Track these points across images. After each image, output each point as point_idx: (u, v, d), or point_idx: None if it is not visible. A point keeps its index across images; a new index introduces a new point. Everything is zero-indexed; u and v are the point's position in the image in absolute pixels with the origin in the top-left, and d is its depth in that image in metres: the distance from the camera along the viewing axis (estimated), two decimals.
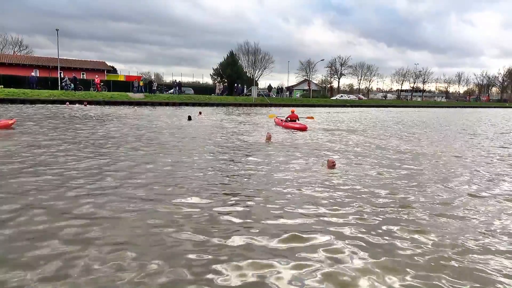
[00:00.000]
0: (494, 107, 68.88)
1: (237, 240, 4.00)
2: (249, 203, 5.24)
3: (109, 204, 4.98)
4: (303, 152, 9.61)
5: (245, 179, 6.59)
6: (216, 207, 5.03)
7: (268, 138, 11.61)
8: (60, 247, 3.76)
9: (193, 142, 11.28)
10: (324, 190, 5.93)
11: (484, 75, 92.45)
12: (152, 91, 39.94)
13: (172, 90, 44.66)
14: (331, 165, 7.53)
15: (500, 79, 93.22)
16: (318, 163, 8.13)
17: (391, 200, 5.59)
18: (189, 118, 19.21)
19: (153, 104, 34.34)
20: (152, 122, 17.59)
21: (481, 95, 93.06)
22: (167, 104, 35.03)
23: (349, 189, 6.10)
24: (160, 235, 4.08)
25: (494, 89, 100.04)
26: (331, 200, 5.47)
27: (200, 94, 43.60)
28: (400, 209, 5.21)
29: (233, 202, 5.28)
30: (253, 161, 8.28)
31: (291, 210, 4.97)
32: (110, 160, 7.93)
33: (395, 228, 4.51)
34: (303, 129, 15.80)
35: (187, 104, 35.95)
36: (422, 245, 4.06)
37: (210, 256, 3.65)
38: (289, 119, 17.27)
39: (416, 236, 4.30)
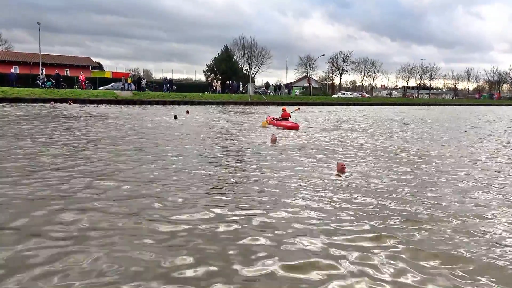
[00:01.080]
0: (507, 105, 69.21)
1: (258, 269, 3.61)
2: (257, 217, 4.91)
3: (81, 224, 4.50)
4: (308, 155, 9.48)
5: (247, 186, 6.37)
6: (218, 222, 4.64)
7: (273, 140, 11.45)
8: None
9: (182, 143, 11.17)
10: (337, 200, 5.69)
11: (494, 71, 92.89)
12: (141, 89, 39.79)
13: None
14: (341, 168, 7.44)
15: (511, 75, 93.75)
16: (327, 166, 8.02)
17: (410, 212, 5.24)
18: (175, 118, 19.29)
19: (142, 102, 34.22)
20: (135, 121, 17.57)
21: (492, 92, 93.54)
22: (157, 102, 34.92)
23: (361, 198, 5.82)
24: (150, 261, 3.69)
25: (505, 86, 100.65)
26: (347, 213, 5.13)
27: (193, 92, 43.44)
28: (420, 222, 4.92)
29: (237, 215, 4.95)
30: (249, 166, 8.03)
31: (301, 226, 4.63)
32: (83, 165, 7.58)
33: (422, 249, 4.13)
34: (294, 127, 16.12)
35: (178, 103, 35.84)
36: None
37: None
38: (280, 117, 17.61)
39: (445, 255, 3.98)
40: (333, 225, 4.69)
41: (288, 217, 4.90)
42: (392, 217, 5.02)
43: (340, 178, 7.02)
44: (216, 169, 7.51)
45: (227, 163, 8.23)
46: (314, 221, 4.77)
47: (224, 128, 16.12)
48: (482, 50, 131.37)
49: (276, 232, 4.39)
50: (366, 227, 4.65)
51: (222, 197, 5.65)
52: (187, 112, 24.18)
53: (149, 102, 34.56)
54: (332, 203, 5.51)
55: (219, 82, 48.83)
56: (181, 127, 15.68)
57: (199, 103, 37.55)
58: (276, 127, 16.67)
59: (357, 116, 27.35)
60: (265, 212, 5.05)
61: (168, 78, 47.42)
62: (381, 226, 4.69)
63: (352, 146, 11.44)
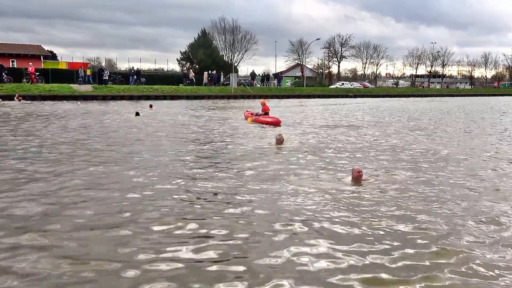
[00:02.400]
0: None
1: None
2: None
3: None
4: (315, 158, 9.40)
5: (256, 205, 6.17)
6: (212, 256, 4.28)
7: (280, 141, 11.18)
8: None
9: (150, 145, 11.05)
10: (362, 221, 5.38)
11: None
12: (103, 82, 39.31)
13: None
14: (357, 175, 7.18)
15: None
16: (339, 173, 7.89)
17: (443, 230, 5.05)
18: (137, 114, 19.67)
19: (104, 98, 33.80)
20: (86, 120, 17.46)
21: None
22: (122, 97, 34.54)
23: (391, 220, 5.43)
24: None
25: None
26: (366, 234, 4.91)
27: (165, 85, 43.06)
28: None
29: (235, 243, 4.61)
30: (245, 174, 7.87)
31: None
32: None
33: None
34: (276, 123, 16.57)
35: (148, 97, 35.51)
36: None
37: None
38: (261, 112, 18.04)
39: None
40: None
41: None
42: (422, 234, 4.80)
43: (358, 188, 6.81)
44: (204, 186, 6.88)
45: (217, 173, 7.87)
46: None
47: (203, 126, 16.03)
48: (500, 32, 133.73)
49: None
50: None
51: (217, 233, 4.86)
52: (150, 106, 24.61)
53: (113, 97, 34.13)
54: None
55: (205, 73, 48.25)
56: (143, 127, 15.43)
57: (173, 97, 37.26)
58: (256, 124, 16.96)
59: (361, 110, 27.38)
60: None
61: (135, 68, 47.00)
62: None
63: (364, 145, 11.54)
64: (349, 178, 7.30)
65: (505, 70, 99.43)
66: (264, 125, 16.45)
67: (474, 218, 5.45)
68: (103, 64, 67.66)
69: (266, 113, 17.95)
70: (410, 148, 11.20)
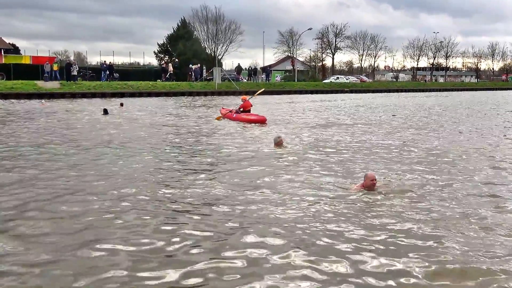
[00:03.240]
0: None
1: None
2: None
3: None
4: (320, 163, 9.37)
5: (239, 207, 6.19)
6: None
7: (280, 143, 11.11)
8: None
9: (121, 148, 11.00)
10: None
11: None
12: (72, 78, 39.00)
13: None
14: (370, 183, 6.95)
15: None
16: (350, 179, 7.80)
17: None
18: (105, 112, 19.85)
19: (73, 95, 33.51)
20: (51, 120, 17.39)
21: None
22: (94, 95, 34.27)
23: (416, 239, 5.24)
24: None
25: None
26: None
27: (141, 81, 42.86)
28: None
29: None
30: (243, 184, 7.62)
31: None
32: None
33: None
34: (261, 121, 16.52)
35: (122, 95, 35.27)
36: None
37: None
38: (241, 109, 17.78)
39: None
40: None
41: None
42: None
43: (370, 197, 6.68)
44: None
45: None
46: None
47: (183, 126, 16.03)
48: (506, 19, 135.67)
49: None
50: None
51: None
52: (121, 104, 24.84)
53: (83, 95, 33.85)
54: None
55: (204, 69, 47.94)
56: (111, 128, 15.30)
57: (150, 94, 37.09)
58: (236, 122, 16.94)
59: (362, 106, 27.53)
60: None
61: (107, 63, 46.65)
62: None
63: (372, 147, 11.62)
64: (358, 185, 7.13)
65: None
66: (247, 124, 16.29)
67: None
68: (72, 58, 66.96)
69: (248, 110, 17.77)
70: (418, 148, 11.27)
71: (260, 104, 26.00)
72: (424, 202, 6.55)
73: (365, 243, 4.97)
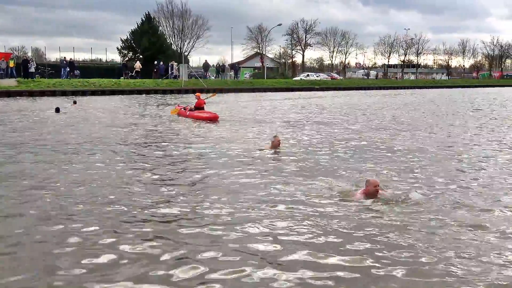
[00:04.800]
0: (509, 85, 73.43)
1: None
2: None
3: None
4: (316, 166, 9.21)
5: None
6: None
7: (276, 144, 10.85)
8: None
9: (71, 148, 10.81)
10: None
11: (495, 43, 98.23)
12: (29, 75, 38.25)
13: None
14: (374, 190, 6.63)
15: None
16: (351, 185, 7.44)
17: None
18: (57, 111, 19.85)
19: (31, 93, 32.87)
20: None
21: (492, 70, 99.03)
22: (53, 93, 33.70)
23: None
24: None
25: (508, 62, 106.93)
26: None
27: (104, 78, 42.28)
28: None
29: None
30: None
31: None
32: None
33: None
34: (213, 118, 17.16)
35: (84, 93, 34.89)
36: None
37: None
38: (194, 107, 18.56)
39: None
40: None
41: None
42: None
43: (374, 205, 6.35)
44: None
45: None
46: None
47: (144, 125, 15.88)
48: (477, 17, 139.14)
49: None
50: None
51: None
52: (74, 102, 24.88)
53: (42, 93, 33.24)
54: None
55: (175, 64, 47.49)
56: (61, 128, 15.02)
57: (113, 92, 36.68)
58: (191, 119, 17.47)
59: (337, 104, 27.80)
60: None
61: (67, 59, 45.87)
62: None
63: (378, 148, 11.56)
64: (360, 191, 6.81)
65: (484, 59, 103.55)
66: (200, 121, 16.83)
67: None
68: (29, 54, 65.60)
69: (201, 108, 18.34)
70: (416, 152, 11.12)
71: (230, 103, 26.05)
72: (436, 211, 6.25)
73: (381, 262, 4.57)
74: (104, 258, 4.57)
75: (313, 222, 5.68)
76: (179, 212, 6.07)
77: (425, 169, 8.98)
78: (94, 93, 35.50)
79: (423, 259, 4.62)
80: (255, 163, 9.33)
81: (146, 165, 9.17)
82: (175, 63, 48.24)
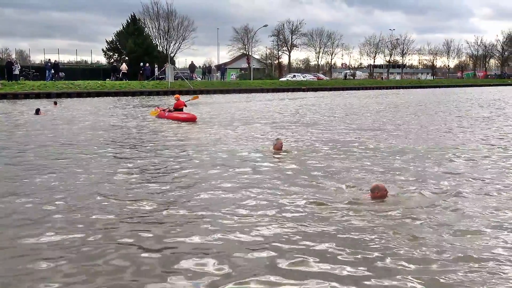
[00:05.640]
0: (494, 84, 74.40)
1: None
2: None
3: None
4: (320, 168, 9.02)
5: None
6: None
7: (279, 147, 10.70)
8: None
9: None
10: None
11: (479, 43, 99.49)
12: (13, 77, 37.98)
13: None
14: (384, 193, 6.55)
15: (499, 48, 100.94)
16: (357, 189, 7.31)
17: None
18: (37, 112, 19.83)
19: (15, 96, 32.71)
20: None
21: (476, 70, 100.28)
22: (38, 95, 33.54)
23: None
24: None
25: (492, 61, 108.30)
26: None
27: (89, 80, 42.13)
28: None
29: None
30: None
31: None
32: None
33: None
34: (192, 119, 17.44)
35: (69, 95, 34.76)
36: None
37: None
38: (173, 108, 18.82)
39: None
40: None
41: None
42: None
43: (383, 214, 6.09)
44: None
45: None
46: None
47: (126, 128, 15.92)
48: (461, 17, 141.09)
49: None
50: None
51: None
52: (55, 103, 25.09)
53: (26, 96, 33.09)
54: None
55: (156, 67, 47.44)
56: (38, 131, 14.86)
57: (99, 94, 36.61)
58: (170, 120, 17.67)
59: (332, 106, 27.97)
60: None
61: (52, 61, 45.62)
62: None
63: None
64: (367, 195, 6.70)
65: (468, 59, 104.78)
66: (179, 122, 17.03)
67: None
68: (13, 56, 65.09)
69: (180, 109, 18.59)
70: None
71: (215, 104, 26.05)
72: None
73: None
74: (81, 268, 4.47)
75: (319, 227, 5.60)
76: (179, 215, 6.07)
77: (434, 171, 8.80)
78: (79, 95, 35.37)
79: (435, 267, 4.52)
80: (258, 166, 9.11)
81: (121, 169, 8.94)
82: (156, 66, 48.33)
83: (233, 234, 5.33)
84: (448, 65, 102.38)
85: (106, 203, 6.55)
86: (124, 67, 48.44)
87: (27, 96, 33.05)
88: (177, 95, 19.90)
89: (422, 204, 6.52)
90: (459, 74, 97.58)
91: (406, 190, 7.27)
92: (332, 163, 9.55)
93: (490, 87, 68.13)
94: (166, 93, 39.99)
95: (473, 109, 25.56)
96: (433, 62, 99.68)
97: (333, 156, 10.40)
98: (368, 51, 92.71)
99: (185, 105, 19.00)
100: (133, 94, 38.38)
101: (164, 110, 19.10)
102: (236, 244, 5.06)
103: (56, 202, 6.56)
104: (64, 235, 5.27)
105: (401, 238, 5.22)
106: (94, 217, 5.96)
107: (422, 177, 8.17)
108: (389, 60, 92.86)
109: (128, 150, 11.21)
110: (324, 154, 10.72)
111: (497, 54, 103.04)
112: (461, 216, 6.05)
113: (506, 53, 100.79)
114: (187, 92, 40.69)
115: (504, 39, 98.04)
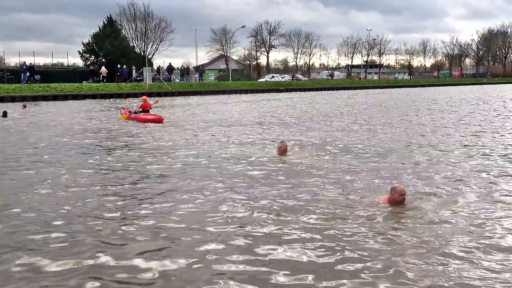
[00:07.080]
0: (469, 83, 75.68)
1: None
2: None
3: None
4: (329, 171, 8.76)
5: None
6: None
7: (283, 150, 10.19)
8: None
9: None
10: None
11: (454, 43, 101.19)
12: None
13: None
14: (400, 199, 6.21)
15: (474, 47, 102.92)
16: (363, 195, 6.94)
17: None
18: (4, 115, 19.56)
19: None
20: None
21: (452, 69, 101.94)
22: (13, 99, 33.10)
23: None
24: None
25: (467, 61, 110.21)
26: None
27: (66, 83, 41.69)
28: None
29: None
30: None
31: None
32: None
33: None
34: (158, 120, 17.65)
35: (45, 98, 34.38)
36: None
37: None
38: (140, 109, 19.08)
39: None
40: None
41: None
42: None
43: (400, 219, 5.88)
44: None
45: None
46: None
47: (95, 129, 15.85)
48: (435, 17, 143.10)
49: None
50: None
51: None
52: (24, 107, 24.73)
53: (1, 99, 32.60)
54: None
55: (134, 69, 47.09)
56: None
57: (75, 97, 36.29)
58: (136, 122, 17.75)
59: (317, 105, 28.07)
60: None
61: (27, 64, 45.07)
62: None
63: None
64: (384, 198, 6.42)
65: (444, 59, 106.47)
66: (145, 123, 17.13)
67: None
68: None
69: (147, 111, 18.86)
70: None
71: (196, 106, 25.94)
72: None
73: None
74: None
75: (337, 230, 5.45)
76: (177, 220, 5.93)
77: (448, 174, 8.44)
78: (56, 97, 34.98)
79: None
80: (265, 169, 8.87)
81: (88, 171, 8.77)
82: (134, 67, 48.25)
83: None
84: (425, 65, 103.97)
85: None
86: (103, 70, 48.07)
87: (1, 99, 32.58)
88: (144, 97, 20.16)
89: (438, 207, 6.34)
90: (435, 74, 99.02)
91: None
92: (339, 164, 9.36)
93: (466, 86, 69.26)
94: (143, 95, 39.77)
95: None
96: (409, 62, 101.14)
97: (339, 158, 10.10)
98: (346, 52, 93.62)
99: (151, 107, 19.40)
100: (111, 96, 38.12)
101: (129, 111, 19.32)
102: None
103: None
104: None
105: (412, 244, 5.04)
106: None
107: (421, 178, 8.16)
108: (367, 60, 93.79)
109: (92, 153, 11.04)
110: (326, 155, 10.47)
111: (472, 54, 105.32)
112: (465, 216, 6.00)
113: (480, 52, 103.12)
114: (165, 94, 40.72)
115: (479, 39, 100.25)
